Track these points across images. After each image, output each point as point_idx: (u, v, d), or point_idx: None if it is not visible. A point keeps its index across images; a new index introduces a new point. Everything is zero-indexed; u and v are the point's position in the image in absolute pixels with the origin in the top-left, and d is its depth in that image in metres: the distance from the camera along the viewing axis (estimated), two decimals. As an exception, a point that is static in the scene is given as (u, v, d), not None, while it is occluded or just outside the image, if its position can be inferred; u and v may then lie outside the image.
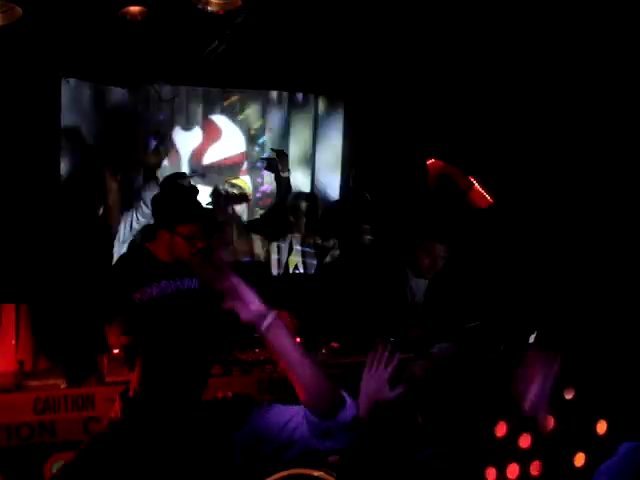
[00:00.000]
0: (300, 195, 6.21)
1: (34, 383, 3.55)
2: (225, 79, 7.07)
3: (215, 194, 6.01)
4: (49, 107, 6.60)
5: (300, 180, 7.24)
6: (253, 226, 6.07)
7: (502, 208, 6.54)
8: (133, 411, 2.26)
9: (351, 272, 5.34)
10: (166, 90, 6.98)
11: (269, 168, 6.46)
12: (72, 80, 6.63)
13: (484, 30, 5.60)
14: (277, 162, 6.20)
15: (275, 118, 7.46)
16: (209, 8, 4.59)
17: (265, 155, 6.94)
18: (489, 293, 5.07)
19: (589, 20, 5.05)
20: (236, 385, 3.75)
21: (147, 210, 5.30)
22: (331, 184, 7.46)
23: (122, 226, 5.59)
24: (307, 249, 5.92)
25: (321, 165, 7.53)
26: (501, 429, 3.72)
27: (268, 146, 7.17)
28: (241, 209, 5.94)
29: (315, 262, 5.91)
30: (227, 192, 5.90)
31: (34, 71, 6.31)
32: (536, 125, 6.13)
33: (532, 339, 4.26)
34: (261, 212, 6.93)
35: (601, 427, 3.41)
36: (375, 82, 7.05)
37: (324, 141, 7.60)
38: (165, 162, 6.45)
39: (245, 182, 6.75)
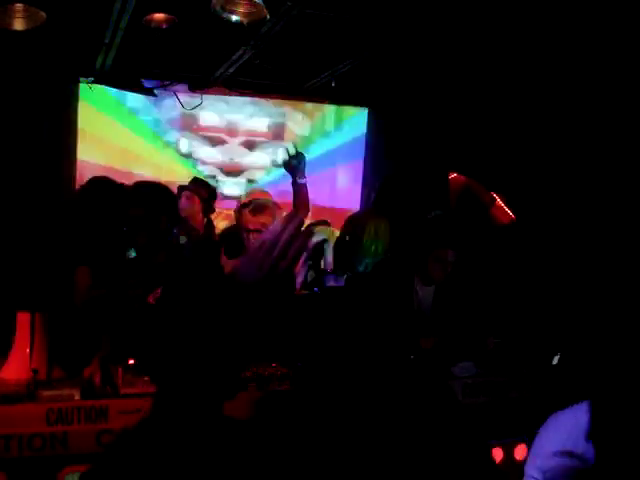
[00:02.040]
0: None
1: (48, 393, 3.49)
2: (248, 87, 7.06)
3: None
4: (67, 111, 6.63)
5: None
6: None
7: (522, 223, 6.48)
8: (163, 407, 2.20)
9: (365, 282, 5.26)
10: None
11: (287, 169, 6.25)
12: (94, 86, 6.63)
13: (507, 49, 5.55)
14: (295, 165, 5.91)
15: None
16: (234, 18, 4.54)
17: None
18: (506, 305, 5.00)
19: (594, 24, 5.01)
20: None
21: None
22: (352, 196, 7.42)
23: None
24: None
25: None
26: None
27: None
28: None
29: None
30: None
31: (53, 75, 6.33)
32: (560, 143, 6.07)
33: (555, 361, 4.18)
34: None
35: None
36: (400, 94, 7.02)
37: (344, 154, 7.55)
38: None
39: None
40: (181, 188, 5.87)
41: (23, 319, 3.68)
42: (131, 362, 3.83)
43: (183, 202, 5.77)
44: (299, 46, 5.94)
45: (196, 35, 5.65)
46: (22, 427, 3.34)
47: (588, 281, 5.37)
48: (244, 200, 5.29)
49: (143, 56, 6.18)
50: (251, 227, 4.79)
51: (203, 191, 5.91)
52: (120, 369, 3.66)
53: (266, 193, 5.47)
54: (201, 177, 6.46)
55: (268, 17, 4.52)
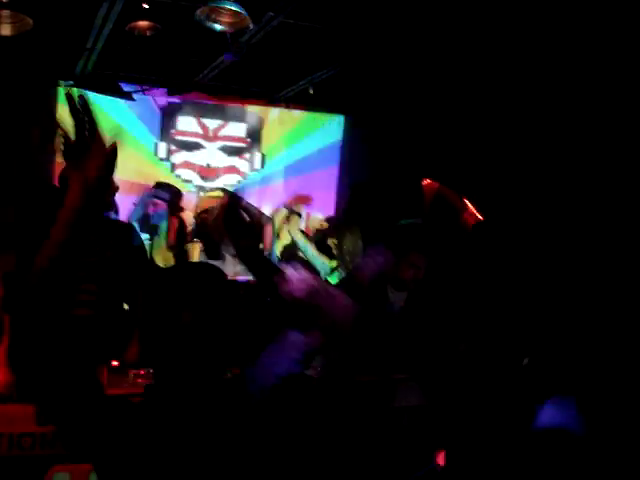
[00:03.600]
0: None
1: (36, 393, 3.54)
2: (226, 93, 7.15)
3: None
4: (46, 114, 6.66)
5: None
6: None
7: (493, 226, 6.59)
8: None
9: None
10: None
11: None
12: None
13: (479, 58, 5.68)
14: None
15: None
16: (218, 27, 4.62)
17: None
18: (475, 309, 5.09)
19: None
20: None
21: None
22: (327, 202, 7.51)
23: None
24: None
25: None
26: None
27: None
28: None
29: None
30: None
31: (35, 79, 6.38)
32: (532, 150, 6.21)
33: (525, 362, 4.30)
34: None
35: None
36: (376, 101, 7.13)
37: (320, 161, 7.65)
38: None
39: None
40: (145, 196, 5.98)
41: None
42: (115, 363, 3.91)
43: (150, 209, 5.88)
44: (278, 54, 6.04)
45: (177, 41, 5.73)
46: (11, 427, 3.40)
47: (558, 282, 5.49)
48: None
49: (123, 61, 6.25)
50: None
51: (165, 194, 6.00)
52: (105, 369, 3.74)
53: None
54: (168, 182, 6.51)
55: (251, 27, 4.61)
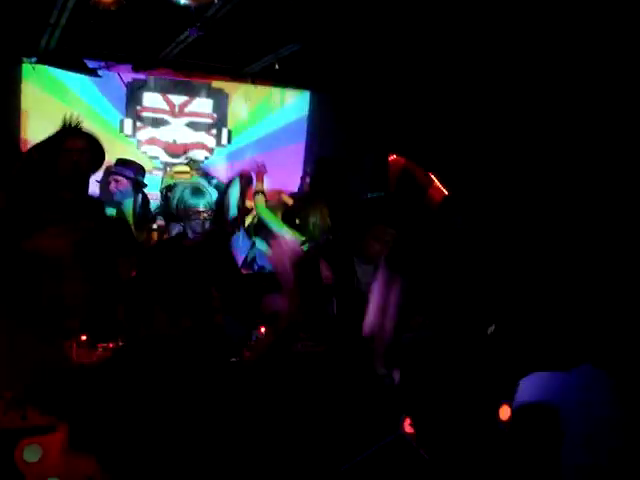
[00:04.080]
0: None
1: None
2: (192, 68, 7.14)
3: None
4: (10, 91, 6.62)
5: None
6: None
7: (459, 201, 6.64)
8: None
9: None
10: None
11: None
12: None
13: (445, 27, 5.71)
14: None
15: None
16: (181, 1, 4.62)
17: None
18: (441, 281, 5.14)
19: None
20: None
21: None
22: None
23: None
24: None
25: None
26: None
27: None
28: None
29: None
30: None
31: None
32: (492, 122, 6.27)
33: (490, 330, 4.38)
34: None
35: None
36: (343, 76, 7.15)
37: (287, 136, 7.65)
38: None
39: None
40: (107, 174, 5.90)
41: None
42: (83, 338, 3.91)
43: (112, 186, 5.84)
44: (243, 29, 6.03)
45: (142, 16, 5.70)
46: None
47: (520, 253, 5.57)
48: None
49: (88, 36, 6.19)
50: None
51: (128, 171, 5.94)
52: (74, 344, 3.75)
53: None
54: (131, 158, 6.44)
55: (216, 1, 4.60)
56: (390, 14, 5.57)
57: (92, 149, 3.94)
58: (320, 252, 4.99)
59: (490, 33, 5.63)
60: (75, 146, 3.85)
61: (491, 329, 4.44)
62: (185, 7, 4.80)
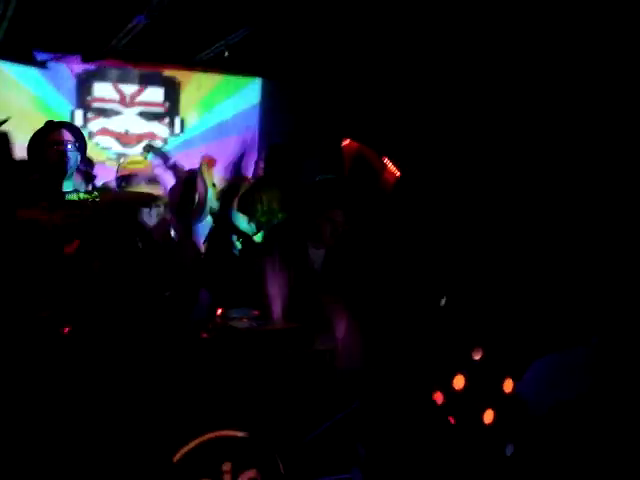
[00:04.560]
0: None
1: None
2: (142, 58, 7.13)
3: None
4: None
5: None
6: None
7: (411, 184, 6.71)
8: None
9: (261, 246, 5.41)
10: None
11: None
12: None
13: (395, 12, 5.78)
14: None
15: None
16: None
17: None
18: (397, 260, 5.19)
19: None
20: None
21: None
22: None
23: None
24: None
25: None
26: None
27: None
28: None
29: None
30: None
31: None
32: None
33: (442, 303, 4.46)
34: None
35: (507, 385, 3.68)
36: (293, 62, 7.19)
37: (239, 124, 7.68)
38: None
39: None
40: None
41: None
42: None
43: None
44: (192, 16, 6.05)
45: (89, 5, 5.70)
46: None
47: (470, 232, 5.67)
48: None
49: (36, 28, 6.17)
50: None
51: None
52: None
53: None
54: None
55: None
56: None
57: (75, 139, 4.05)
58: (274, 236, 5.02)
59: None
60: (59, 138, 3.94)
61: (443, 302, 4.53)
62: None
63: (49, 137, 3.95)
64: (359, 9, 5.84)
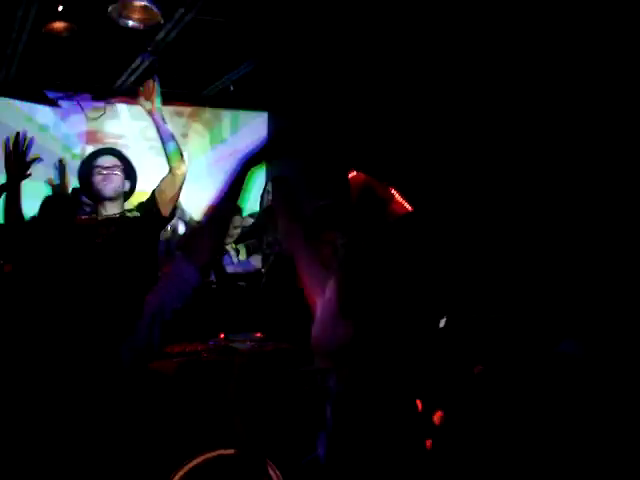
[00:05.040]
0: None
1: None
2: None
3: None
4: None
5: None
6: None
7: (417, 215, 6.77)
8: None
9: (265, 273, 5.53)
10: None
11: None
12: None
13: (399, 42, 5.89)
14: None
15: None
16: (130, 23, 4.78)
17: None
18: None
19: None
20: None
21: None
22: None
23: None
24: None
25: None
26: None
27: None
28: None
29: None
30: None
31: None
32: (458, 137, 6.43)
33: (442, 324, 4.54)
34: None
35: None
36: (299, 96, 7.34)
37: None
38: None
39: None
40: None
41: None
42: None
43: None
44: (196, 53, 6.21)
45: (97, 44, 5.87)
46: None
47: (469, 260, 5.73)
48: None
49: (46, 67, 6.37)
50: None
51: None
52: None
53: None
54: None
55: (162, 22, 4.79)
56: (340, 30, 5.74)
57: (122, 164, 4.27)
58: (281, 262, 5.13)
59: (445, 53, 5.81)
60: (103, 163, 4.16)
61: (443, 322, 4.60)
62: (136, 31, 4.94)
63: (95, 162, 4.15)
64: (363, 38, 5.95)
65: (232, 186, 2.89)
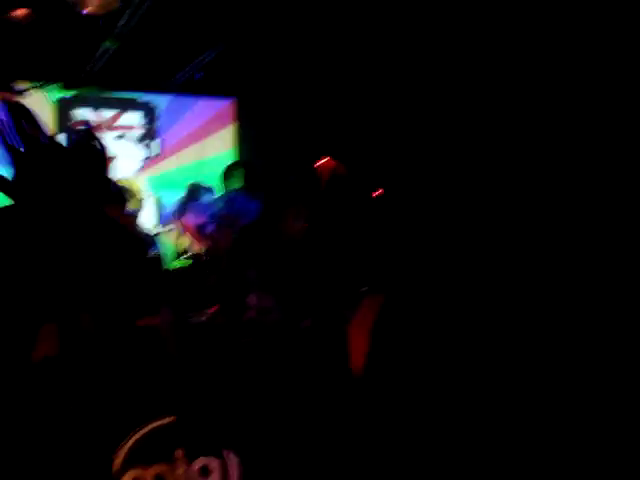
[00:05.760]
0: None
1: None
2: (116, 82, 7.41)
3: None
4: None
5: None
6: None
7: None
8: None
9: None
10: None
11: None
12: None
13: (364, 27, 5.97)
14: None
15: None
16: (87, 10, 4.86)
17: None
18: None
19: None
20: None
21: None
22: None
23: None
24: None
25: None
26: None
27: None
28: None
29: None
30: None
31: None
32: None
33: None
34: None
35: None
36: (266, 82, 7.43)
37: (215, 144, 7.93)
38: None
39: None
40: None
41: None
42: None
43: None
44: (160, 40, 6.28)
45: (62, 33, 5.94)
46: None
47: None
48: None
49: (15, 57, 6.42)
50: None
51: None
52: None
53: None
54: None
55: (120, 5, 4.87)
56: (308, 14, 5.82)
57: None
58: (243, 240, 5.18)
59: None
60: None
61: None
62: (94, 18, 5.04)
63: None
64: (331, 20, 6.02)
65: None
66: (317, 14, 5.81)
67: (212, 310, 4.55)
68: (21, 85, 6.97)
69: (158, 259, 4.78)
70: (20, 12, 5.18)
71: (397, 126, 6.75)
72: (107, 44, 6.00)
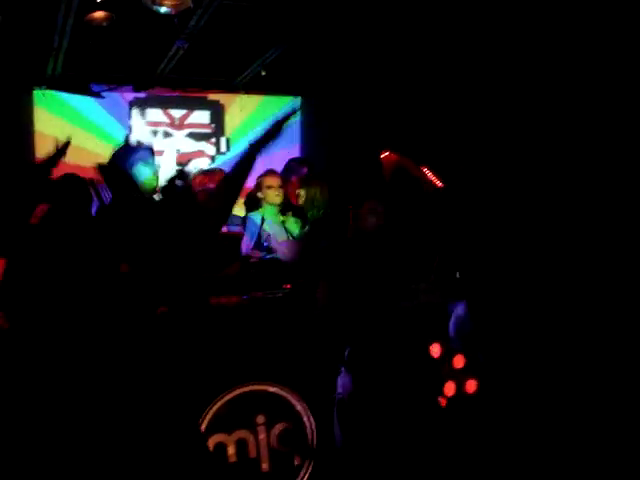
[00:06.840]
0: None
1: None
2: (188, 84, 7.71)
3: None
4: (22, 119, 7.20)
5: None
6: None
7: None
8: None
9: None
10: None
11: None
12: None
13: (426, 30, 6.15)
14: None
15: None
16: (162, 9, 5.10)
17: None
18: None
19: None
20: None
21: None
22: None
23: None
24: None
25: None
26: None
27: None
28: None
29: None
30: None
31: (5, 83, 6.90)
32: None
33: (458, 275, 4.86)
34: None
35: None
36: (330, 80, 7.67)
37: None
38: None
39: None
40: None
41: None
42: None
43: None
44: (228, 39, 6.51)
45: (135, 35, 6.20)
46: None
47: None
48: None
49: (91, 59, 6.73)
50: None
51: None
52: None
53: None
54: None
55: (192, 6, 5.12)
56: (375, 14, 6.00)
57: None
58: (319, 231, 5.34)
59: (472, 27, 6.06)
60: None
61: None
62: (169, 17, 5.27)
63: None
64: (395, 26, 6.17)
65: (240, 165, 3.27)
66: (377, 12, 5.95)
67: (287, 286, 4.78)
68: (97, 87, 7.35)
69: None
70: (98, 15, 5.43)
71: (463, 122, 6.89)
72: (179, 44, 6.22)
